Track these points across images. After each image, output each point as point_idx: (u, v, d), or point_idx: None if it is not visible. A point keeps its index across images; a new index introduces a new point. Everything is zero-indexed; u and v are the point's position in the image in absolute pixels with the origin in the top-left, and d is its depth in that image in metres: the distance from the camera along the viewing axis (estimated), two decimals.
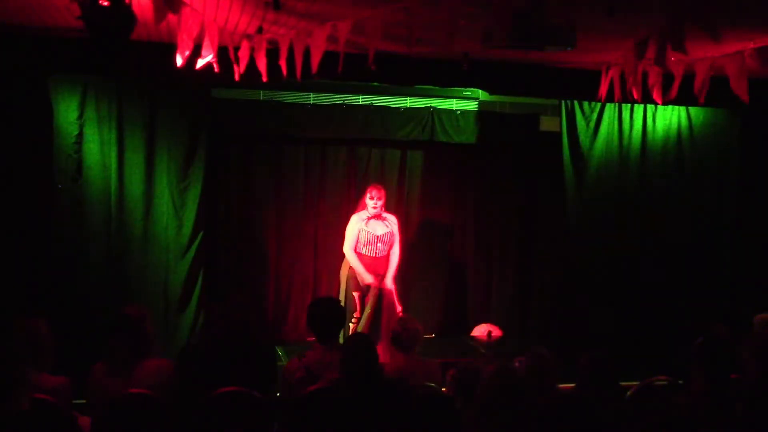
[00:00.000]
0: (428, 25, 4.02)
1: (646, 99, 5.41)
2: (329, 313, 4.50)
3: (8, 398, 3.17)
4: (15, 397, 3.19)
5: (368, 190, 6.79)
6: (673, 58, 4.45)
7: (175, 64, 4.26)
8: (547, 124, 7.92)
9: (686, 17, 3.83)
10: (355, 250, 6.69)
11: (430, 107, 7.72)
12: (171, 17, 4.00)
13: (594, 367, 3.71)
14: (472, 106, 7.86)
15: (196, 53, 4.36)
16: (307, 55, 4.63)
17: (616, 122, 7.43)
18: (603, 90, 5.33)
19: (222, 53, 4.58)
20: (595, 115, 7.38)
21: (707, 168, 7.58)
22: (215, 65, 4.50)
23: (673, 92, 5.12)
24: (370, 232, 6.70)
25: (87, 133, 6.36)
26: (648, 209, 7.52)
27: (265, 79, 4.81)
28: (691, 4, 3.75)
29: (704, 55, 4.99)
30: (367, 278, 6.59)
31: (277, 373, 4.44)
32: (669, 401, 3.66)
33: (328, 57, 4.57)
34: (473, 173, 8.22)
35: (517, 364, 4.04)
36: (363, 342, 3.98)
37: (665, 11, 3.98)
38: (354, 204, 7.62)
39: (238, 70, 4.69)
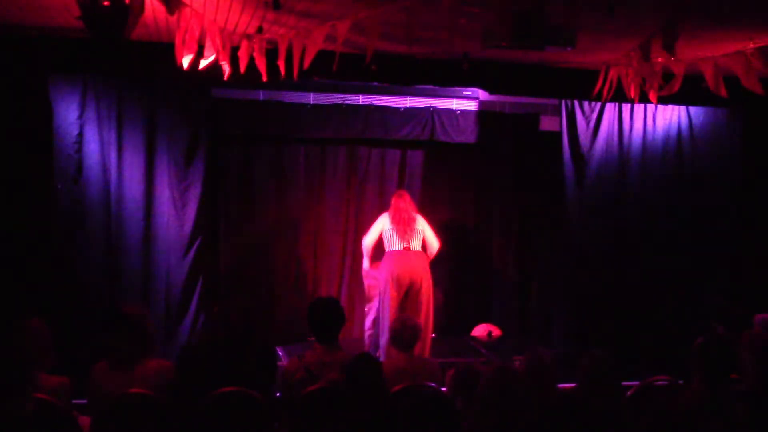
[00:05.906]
0: (428, 24, 4.02)
1: (645, 98, 5.40)
2: (329, 313, 4.49)
3: (12, 399, 3.16)
4: (19, 398, 3.18)
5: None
6: (665, 58, 4.44)
7: (180, 65, 4.25)
8: (547, 124, 7.92)
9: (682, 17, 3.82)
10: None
11: (430, 107, 7.72)
12: (172, 17, 4.00)
13: (594, 367, 3.70)
14: (472, 106, 7.86)
15: (199, 54, 4.35)
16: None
17: (616, 122, 7.43)
18: (599, 89, 5.31)
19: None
20: (595, 115, 7.38)
21: (707, 168, 7.58)
22: (223, 67, 4.49)
23: (675, 88, 5.09)
24: None
25: (87, 133, 6.36)
26: (648, 209, 7.52)
27: (264, 78, 4.80)
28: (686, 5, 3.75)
29: (704, 54, 4.98)
30: None
31: (277, 373, 4.43)
32: (669, 401, 3.66)
33: (328, 56, 4.56)
34: (473, 173, 8.22)
35: (517, 364, 4.04)
36: (371, 365, 3.87)
37: (664, 10, 3.98)
38: (353, 203, 7.63)
39: (229, 70, 4.65)
